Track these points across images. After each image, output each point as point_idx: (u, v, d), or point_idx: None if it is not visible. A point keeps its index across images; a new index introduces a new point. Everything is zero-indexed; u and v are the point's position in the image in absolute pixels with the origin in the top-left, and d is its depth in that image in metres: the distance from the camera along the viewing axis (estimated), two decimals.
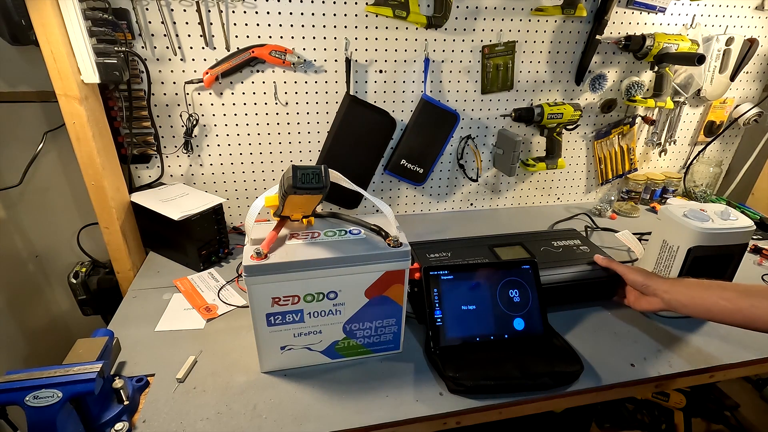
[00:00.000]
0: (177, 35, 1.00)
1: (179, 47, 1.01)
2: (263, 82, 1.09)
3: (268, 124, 1.14)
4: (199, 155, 1.14)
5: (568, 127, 1.30)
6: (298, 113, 1.14)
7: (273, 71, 1.08)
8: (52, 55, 0.82)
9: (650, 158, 1.48)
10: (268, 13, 1.02)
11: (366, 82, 1.15)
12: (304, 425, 0.65)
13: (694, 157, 1.49)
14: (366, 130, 1.14)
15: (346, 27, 1.07)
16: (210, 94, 1.08)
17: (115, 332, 0.73)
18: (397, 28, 1.10)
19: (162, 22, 0.98)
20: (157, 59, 1.02)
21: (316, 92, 1.13)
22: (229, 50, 1.03)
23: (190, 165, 1.15)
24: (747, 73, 1.39)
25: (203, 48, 1.02)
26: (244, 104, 1.10)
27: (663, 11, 1.23)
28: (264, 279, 0.65)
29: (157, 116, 1.07)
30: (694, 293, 0.74)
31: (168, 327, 0.85)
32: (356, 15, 1.06)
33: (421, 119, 1.17)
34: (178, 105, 1.07)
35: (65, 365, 0.60)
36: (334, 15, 1.05)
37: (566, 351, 0.78)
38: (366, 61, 1.12)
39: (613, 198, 1.40)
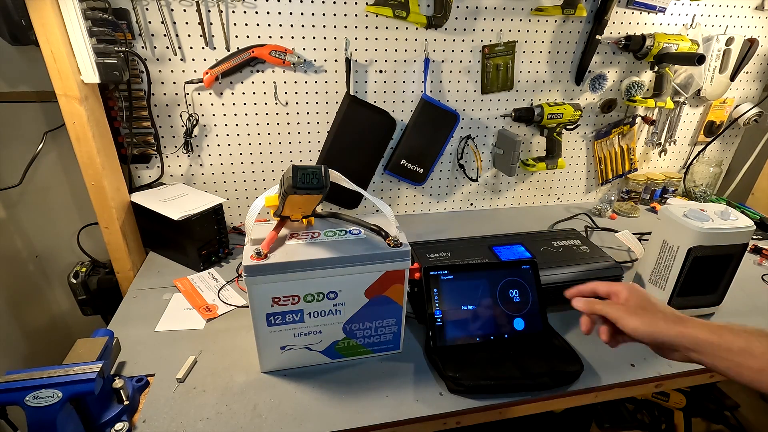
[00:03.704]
0: (177, 35, 1.00)
1: (179, 47, 1.01)
2: (263, 82, 1.09)
3: (268, 124, 1.14)
4: (199, 155, 1.14)
5: (568, 127, 1.30)
6: (298, 113, 1.14)
7: (273, 71, 1.08)
8: (52, 55, 0.82)
9: (650, 158, 1.48)
10: (268, 13, 1.02)
11: (366, 82, 1.15)
12: (304, 425, 0.65)
13: (694, 157, 1.49)
14: (366, 130, 1.14)
15: (346, 27, 1.07)
16: (210, 94, 1.08)
17: (115, 332, 0.73)
18: (397, 28, 1.10)
19: (162, 22, 0.98)
20: (157, 59, 1.02)
21: (316, 92, 1.13)
22: (229, 50, 1.03)
23: (190, 165, 1.15)
24: (747, 73, 1.39)
25: (203, 48, 1.02)
26: (244, 104, 1.10)
27: (663, 11, 1.23)
28: (264, 279, 0.65)
29: (157, 116, 1.07)
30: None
31: (168, 327, 0.85)
32: (356, 15, 1.06)
33: (421, 119, 1.17)
34: (178, 105, 1.07)
35: (65, 365, 0.60)
36: (334, 15, 1.05)
37: (566, 351, 0.78)
38: (366, 61, 1.12)
39: (613, 198, 1.40)
